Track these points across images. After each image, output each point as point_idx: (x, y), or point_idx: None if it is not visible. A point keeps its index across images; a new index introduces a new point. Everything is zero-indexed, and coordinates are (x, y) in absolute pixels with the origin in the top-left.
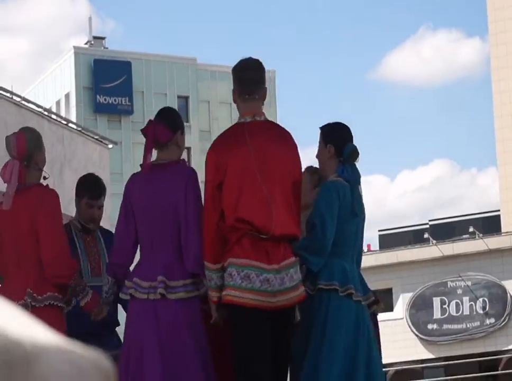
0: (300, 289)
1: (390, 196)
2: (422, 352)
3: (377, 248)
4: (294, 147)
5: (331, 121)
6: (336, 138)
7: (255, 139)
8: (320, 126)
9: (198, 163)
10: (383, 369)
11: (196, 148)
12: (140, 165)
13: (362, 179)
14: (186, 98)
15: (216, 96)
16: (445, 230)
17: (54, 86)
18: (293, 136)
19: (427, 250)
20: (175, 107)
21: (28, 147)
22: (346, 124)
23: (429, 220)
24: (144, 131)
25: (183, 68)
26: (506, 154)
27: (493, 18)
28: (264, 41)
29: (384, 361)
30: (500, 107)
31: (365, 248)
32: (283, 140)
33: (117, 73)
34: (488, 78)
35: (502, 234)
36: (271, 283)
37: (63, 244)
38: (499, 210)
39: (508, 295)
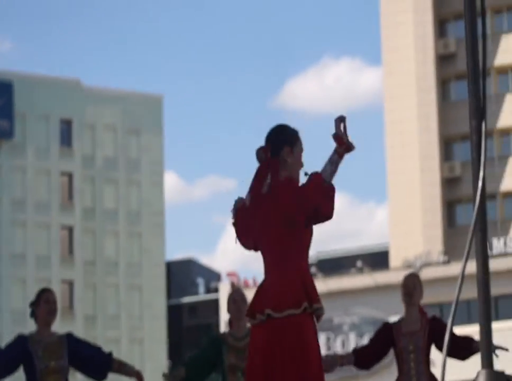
0: None
1: None
2: None
3: None
4: None
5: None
6: None
7: None
8: None
9: (81, 192)
10: None
11: (78, 175)
12: None
13: None
14: (69, 122)
15: (101, 120)
16: (332, 265)
17: None
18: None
19: None
20: (58, 130)
21: None
22: None
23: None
24: None
25: (67, 90)
26: (397, 187)
27: (387, 48)
28: (152, 64)
29: None
30: (392, 137)
31: (251, 283)
32: None
33: None
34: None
35: (390, 270)
36: None
37: None
38: (387, 246)
39: None
